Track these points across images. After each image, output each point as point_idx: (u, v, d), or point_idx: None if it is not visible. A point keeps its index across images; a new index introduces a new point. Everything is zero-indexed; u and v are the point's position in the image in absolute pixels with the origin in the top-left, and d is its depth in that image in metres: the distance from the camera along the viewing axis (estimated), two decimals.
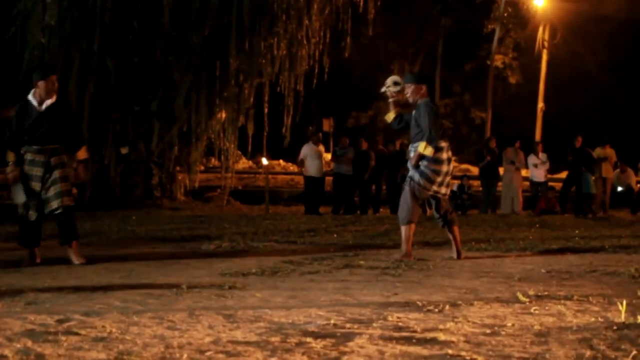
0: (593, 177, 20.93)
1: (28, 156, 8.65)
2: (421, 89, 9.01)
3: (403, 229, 8.90)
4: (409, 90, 9.05)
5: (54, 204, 8.58)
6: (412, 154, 9.00)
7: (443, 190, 9.00)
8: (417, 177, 8.85)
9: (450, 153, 9.08)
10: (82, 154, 9.01)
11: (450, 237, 9.20)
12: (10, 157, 8.70)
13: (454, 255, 9.09)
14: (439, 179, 8.87)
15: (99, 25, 20.56)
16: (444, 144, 8.93)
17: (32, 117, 8.62)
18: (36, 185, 8.59)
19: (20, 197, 8.65)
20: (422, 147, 8.80)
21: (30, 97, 8.74)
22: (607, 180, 21.25)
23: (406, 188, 8.98)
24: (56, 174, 8.60)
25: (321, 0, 22.49)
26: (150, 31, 21.53)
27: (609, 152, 21.29)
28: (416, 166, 8.86)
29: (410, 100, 9.09)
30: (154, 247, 10.57)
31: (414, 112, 9.01)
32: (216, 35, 21.48)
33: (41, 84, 8.67)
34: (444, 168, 8.88)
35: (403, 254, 8.75)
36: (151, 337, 4.30)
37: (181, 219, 16.34)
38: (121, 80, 21.36)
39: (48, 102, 8.69)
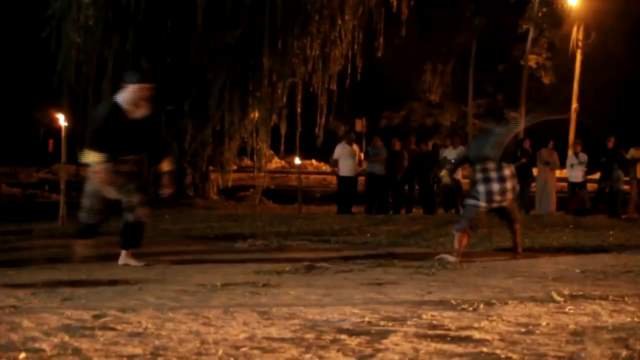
0: (627, 177, 20.80)
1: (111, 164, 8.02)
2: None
3: (457, 235, 8.94)
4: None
5: (131, 216, 8.18)
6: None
7: (505, 203, 9.18)
8: (473, 201, 9.06)
9: (504, 172, 9.10)
10: (166, 165, 8.56)
11: (511, 233, 9.63)
12: (98, 157, 7.92)
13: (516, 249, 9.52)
14: (497, 198, 9.01)
15: (132, 25, 20.68)
16: (490, 165, 9.05)
17: (122, 125, 7.95)
18: (114, 193, 8.13)
19: (96, 202, 8.21)
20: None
21: (119, 100, 8.04)
22: None
23: (468, 205, 9.14)
24: (134, 184, 8.17)
25: (354, 0, 22.48)
26: (184, 31, 21.62)
27: None
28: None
29: None
30: (188, 245, 10.61)
31: None
32: (249, 35, 21.52)
33: (132, 88, 8.01)
34: (495, 187, 8.98)
35: (454, 256, 8.75)
36: (187, 333, 4.33)
37: (214, 218, 16.39)
38: (155, 79, 21.38)
39: (139, 111, 8.02)
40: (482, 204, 8.97)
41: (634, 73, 37.73)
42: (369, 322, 4.61)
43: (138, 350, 3.87)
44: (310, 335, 4.22)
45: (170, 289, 6.21)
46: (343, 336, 4.19)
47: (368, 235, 12.14)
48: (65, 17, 20.80)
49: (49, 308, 5.19)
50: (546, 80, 40.63)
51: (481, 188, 9.01)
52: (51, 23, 20.94)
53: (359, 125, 33.54)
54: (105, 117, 8.08)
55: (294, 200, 23.39)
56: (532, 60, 39.40)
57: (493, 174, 9.01)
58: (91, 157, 7.97)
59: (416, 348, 3.91)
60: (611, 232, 12.78)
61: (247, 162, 29.11)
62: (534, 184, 21.53)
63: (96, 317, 4.81)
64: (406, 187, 21.27)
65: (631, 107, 38.66)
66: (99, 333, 4.29)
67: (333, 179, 24.94)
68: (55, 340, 4.12)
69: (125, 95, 8.03)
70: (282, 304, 5.37)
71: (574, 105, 37.69)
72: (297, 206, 21.91)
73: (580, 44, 38.16)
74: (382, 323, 4.59)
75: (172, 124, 21.90)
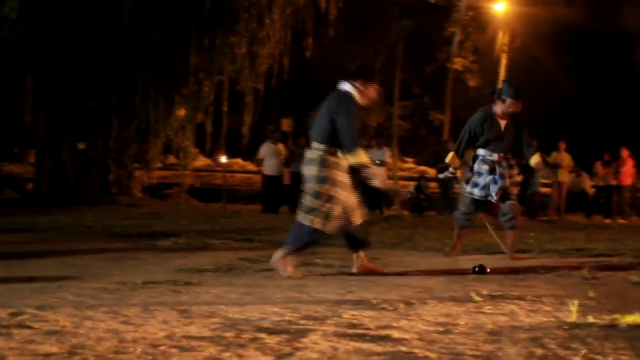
0: (545, 180, 21.29)
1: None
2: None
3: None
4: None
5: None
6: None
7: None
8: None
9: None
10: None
11: (455, 236, 9.84)
12: (366, 158, 7.48)
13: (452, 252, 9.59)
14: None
15: (57, 20, 20.40)
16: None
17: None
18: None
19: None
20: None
21: (352, 91, 7.45)
22: (562, 185, 21.48)
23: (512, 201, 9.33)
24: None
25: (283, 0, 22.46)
26: (111, 27, 21.37)
27: (565, 156, 21.53)
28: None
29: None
30: (110, 243, 10.50)
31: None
32: (177, 33, 21.34)
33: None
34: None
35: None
36: (105, 331, 4.29)
37: (138, 216, 16.25)
38: (80, 75, 21.19)
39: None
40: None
41: (559, 78, 38.41)
42: (289, 321, 4.62)
43: (55, 349, 3.83)
44: (229, 334, 4.22)
45: (90, 287, 6.14)
46: (262, 335, 4.20)
47: None
48: None
49: None
50: (472, 83, 41.02)
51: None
52: None
53: (286, 124, 33.47)
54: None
55: (219, 199, 23.32)
56: (459, 64, 39.78)
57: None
58: (362, 158, 7.33)
59: (335, 347, 3.92)
60: (532, 234, 12.99)
61: (172, 160, 28.92)
62: (457, 185, 21.77)
63: (13, 315, 4.73)
64: None
65: (555, 111, 39.35)
66: (15, 332, 4.23)
67: (258, 178, 24.89)
68: None
69: (357, 89, 7.46)
70: (202, 303, 5.35)
71: None
72: (222, 205, 21.84)
73: (506, 48, 38.70)
74: (302, 322, 4.60)
75: (97, 121, 21.67)
